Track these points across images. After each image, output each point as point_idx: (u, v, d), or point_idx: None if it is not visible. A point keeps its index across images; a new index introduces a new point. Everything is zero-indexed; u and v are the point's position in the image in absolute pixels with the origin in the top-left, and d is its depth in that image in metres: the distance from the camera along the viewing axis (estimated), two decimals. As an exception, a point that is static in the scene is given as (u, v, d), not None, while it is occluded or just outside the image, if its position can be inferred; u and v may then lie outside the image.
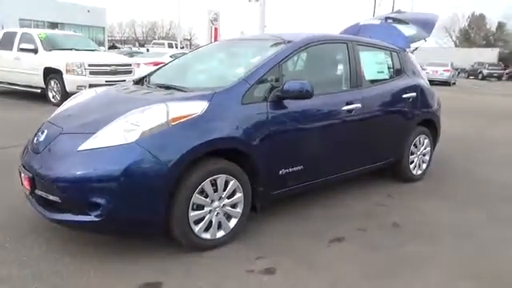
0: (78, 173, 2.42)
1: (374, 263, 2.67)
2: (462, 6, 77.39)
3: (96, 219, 2.40)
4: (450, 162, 5.28)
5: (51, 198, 2.51)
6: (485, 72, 33.33)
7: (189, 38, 57.67)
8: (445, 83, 22.50)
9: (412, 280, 2.49)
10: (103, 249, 2.70)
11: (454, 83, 24.19)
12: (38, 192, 2.59)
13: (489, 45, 49.80)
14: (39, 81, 9.10)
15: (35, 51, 9.13)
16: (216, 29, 18.93)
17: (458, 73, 31.18)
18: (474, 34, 54.76)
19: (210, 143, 2.61)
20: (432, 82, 5.93)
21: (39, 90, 9.26)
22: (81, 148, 2.48)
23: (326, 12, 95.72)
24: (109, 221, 2.41)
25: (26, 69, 9.26)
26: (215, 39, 18.04)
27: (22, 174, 2.73)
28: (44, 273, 2.39)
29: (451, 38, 57.18)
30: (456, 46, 55.52)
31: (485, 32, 54.52)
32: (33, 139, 2.92)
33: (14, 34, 9.79)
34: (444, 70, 23.23)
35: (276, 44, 3.37)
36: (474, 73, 35.18)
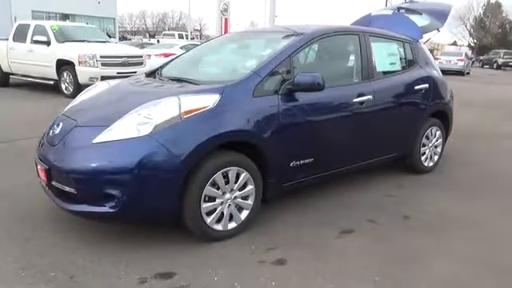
0: (93, 165, 2.48)
1: (383, 254, 2.69)
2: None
3: (110, 210, 2.46)
4: (461, 154, 5.24)
5: (67, 189, 2.57)
6: (500, 61, 32.56)
7: (199, 28, 57.60)
8: (459, 73, 22.26)
9: (421, 271, 2.51)
10: (118, 238, 2.76)
11: (468, 73, 23.88)
12: (55, 183, 2.66)
13: (505, 33, 48.70)
14: (52, 73, 9.20)
15: (48, 43, 9.22)
16: (226, 20, 18.85)
17: (473, 62, 30.61)
18: (489, 22, 53.66)
19: (221, 136, 2.64)
20: (446, 72, 5.86)
21: (52, 82, 9.36)
22: (95, 141, 2.53)
23: (337, 2, 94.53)
24: (122, 212, 2.47)
25: (39, 61, 9.36)
26: (225, 30, 17.99)
27: (39, 166, 2.80)
28: (61, 262, 2.46)
29: (466, 27, 56.15)
30: (470, 34, 54.51)
31: (501, 20, 53.37)
32: (48, 132, 2.98)
33: (27, 26, 9.88)
34: (458, 60, 22.97)
35: (287, 36, 3.37)
36: (488, 62, 34.45)
